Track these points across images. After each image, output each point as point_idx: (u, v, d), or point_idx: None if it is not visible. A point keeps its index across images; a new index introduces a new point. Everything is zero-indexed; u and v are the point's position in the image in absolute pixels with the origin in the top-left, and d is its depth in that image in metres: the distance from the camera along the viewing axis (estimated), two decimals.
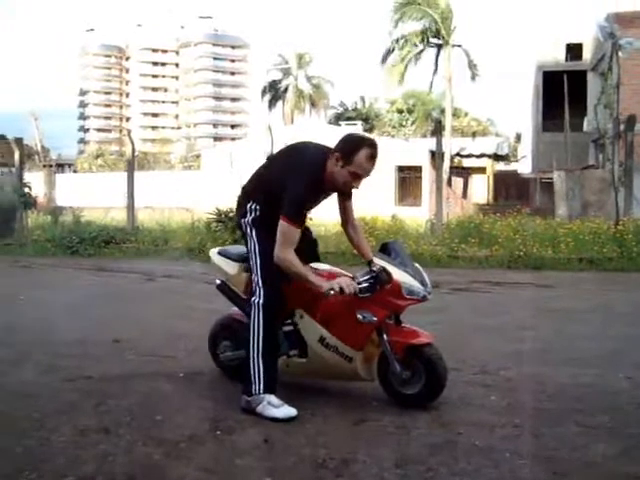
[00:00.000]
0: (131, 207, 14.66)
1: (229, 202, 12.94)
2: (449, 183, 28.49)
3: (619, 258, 10.51)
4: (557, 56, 35.46)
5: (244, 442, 3.19)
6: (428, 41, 34.86)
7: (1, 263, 11.63)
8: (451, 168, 31.25)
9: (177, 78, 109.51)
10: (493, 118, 60.99)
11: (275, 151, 13.45)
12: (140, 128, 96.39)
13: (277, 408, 3.48)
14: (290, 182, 3.50)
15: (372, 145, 3.55)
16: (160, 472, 2.85)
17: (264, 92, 58.23)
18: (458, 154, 34.49)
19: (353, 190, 3.76)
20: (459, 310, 6.92)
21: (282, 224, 3.48)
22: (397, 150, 27.93)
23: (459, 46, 34.99)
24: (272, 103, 57.76)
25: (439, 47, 35.00)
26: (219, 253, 4.19)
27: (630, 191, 13.23)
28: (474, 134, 46.50)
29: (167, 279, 9.65)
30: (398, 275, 3.55)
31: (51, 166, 36.18)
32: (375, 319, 3.54)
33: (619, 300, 7.82)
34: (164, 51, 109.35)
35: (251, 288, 3.74)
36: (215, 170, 28.42)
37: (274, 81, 58.28)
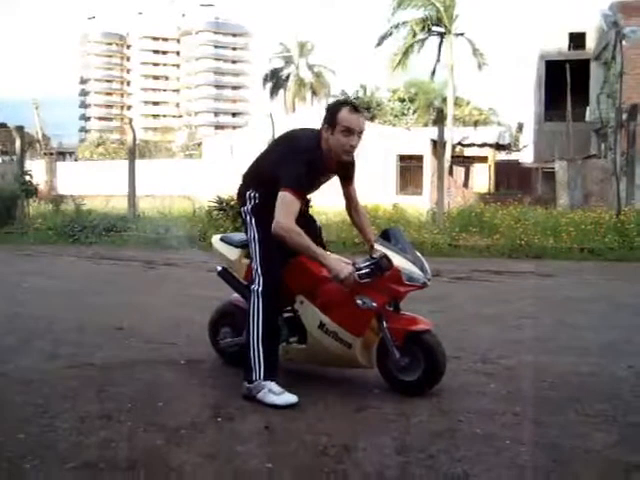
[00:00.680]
0: (132, 195, 14.67)
1: (230, 190, 12.98)
2: (450, 172, 28.45)
3: (620, 248, 10.52)
4: (560, 45, 35.33)
5: (245, 429, 3.20)
6: (430, 29, 34.71)
7: (3, 251, 11.65)
8: (453, 157, 31.23)
9: (178, 66, 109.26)
10: (495, 107, 60.83)
11: None
12: (141, 116, 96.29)
13: (278, 395, 3.50)
14: (288, 162, 3.52)
15: (350, 102, 3.65)
16: (161, 458, 2.86)
17: (265, 80, 58.09)
18: (460, 143, 34.43)
19: (353, 175, 3.85)
20: (460, 299, 6.93)
21: (282, 194, 3.46)
22: (398, 139, 27.92)
23: (462, 34, 34.84)
24: (274, 91, 57.65)
25: (441, 35, 34.85)
26: (221, 239, 4.22)
27: (632, 181, 13.23)
28: (476, 123, 46.40)
29: (168, 267, 9.66)
30: (398, 261, 3.55)
31: (52, 154, 36.18)
32: (375, 305, 3.55)
33: (620, 290, 7.83)
34: (165, 39, 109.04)
35: (251, 275, 3.75)
36: (216, 158, 28.42)
37: (275, 69, 58.14)
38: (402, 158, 27.96)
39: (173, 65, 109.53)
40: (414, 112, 51.47)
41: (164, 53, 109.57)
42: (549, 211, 14.10)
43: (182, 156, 45.36)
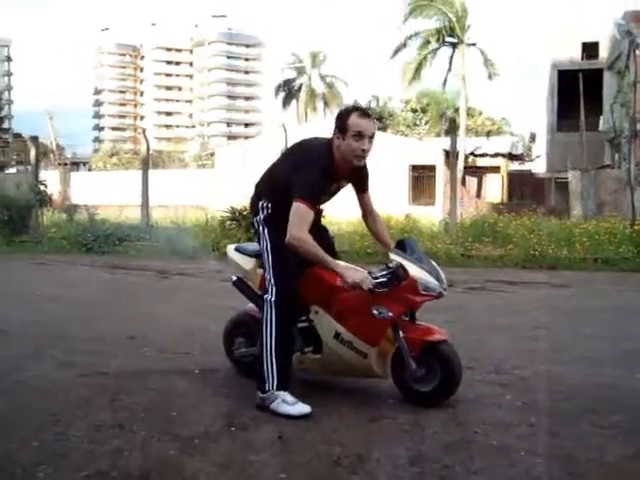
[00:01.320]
0: (145, 205, 14.73)
1: (243, 200, 13.01)
2: (463, 182, 28.40)
3: (635, 258, 10.44)
4: (573, 55, 35.27)
5: (258, 438, 3.20)
6: (443, 40, 34.74)
7: (17, 260, 11.72)
8: (465, 167, 31.15)
9: (191, 77, 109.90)
10: (508, 117, 60.59)
11: None
12: (154, 127, 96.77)
13: (291, 405, 3.49)
14: (301, 171, 3.52)
15: (359, 107, 3.71)
16: (175, 468, 2.86)
17: (278, 91, 58.26)
18: (472, 153, 34.37)
19: (367, 183, 3.89)
20: (473, 309, 6.90)
21: (295, 205, 3.45)
22: (411, 149, 27.90)
23: (474, 45, 34.84)
24: (286, 102, 57.76)
25: (454, 46, 34.86)
26: (236, 249, 4.22)
27: None
28: (488, 133, 46.27)
29: (182, 277, 9.68)
30: (414, 271, 3.54)
31: (66, 164, 36.46)
32: (391, 315, 3.54)
33: (635, 300, 7.78)
34: (178, 50, 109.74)
35: (264, 285, 3.76)
36: (229, 168, 28.50)
37: (288, 80, 58.28)
38: (414, 168, 27.92)
39: (186, 76, 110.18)
40: (426, 122, 51.42)
41: (177, 64, 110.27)
42: (562, 221, 14.03)
43: (195, 166, 45.54)
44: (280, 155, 3.91)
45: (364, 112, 3.62)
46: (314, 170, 3.51)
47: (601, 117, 32.13)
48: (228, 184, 24.69)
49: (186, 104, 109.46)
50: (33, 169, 15.53)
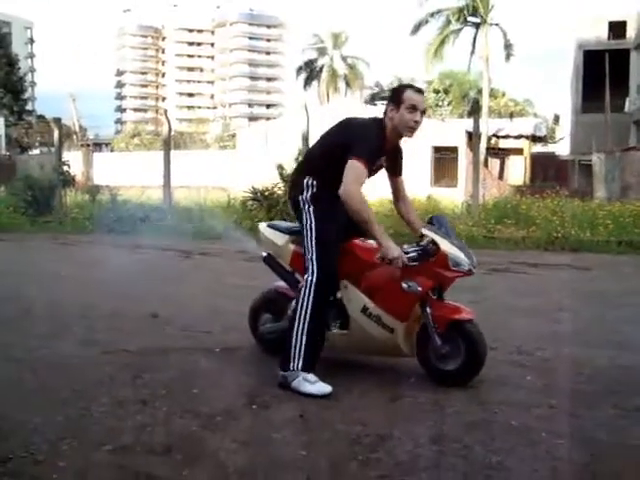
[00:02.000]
0: (167, 186, 14.78)
1: (264, 181, 13.04)
2: (485, 164, 28.12)
3: None
4: (599, 34, 34.66)
5: (280, 416, 3.22)
6: (465, 19, 34.30)
7: (41, 240, 11.85)
8: (488, 149, 30.84)
9: (213, 58, 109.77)
10: (531, 99, 59.93)
11: (311, 130, 13.42)
12: (176, 108, 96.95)
13: (312, 384, 3.50)
14: (358, 137, 3.62)
15: (415, 86, 3.80)
16: (197, 444, 2.89)
17: (299, 72, 58.00)
18: (495, 135, 33.98)
19: (401, 166, 3.99)
20: (496, 290, 6.86)
21: (351, 162, 3.52)
22: (433, 131, 27.61)
23: (497, 25, 34.36)
24: (307, 83, 57.51)
25: (477, 26, 34.41)
26: (268, 226, 4.29)
27: None
28: (511, 115, 45.74)
29: (203, 257, 9.73)
30: (445, 246, 3.56)
31: (89, 145, 36.63)
32: (420, 289, 3.55)
33: None
34: (200, 31, 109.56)
35: (297, 262, 3.83)
36: (250, 149, 28.49)
37: (309, 60, 57.98)
38: (437, 150, 27.69)
39: (207, 57, 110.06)
40: (449, 104, 50.99)
41: (199, 45, 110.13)
42: (586, 204, 13.86)
43: (216, 147, 45.61)
44: (325, 133, 3.91)
45: (418, 89, 3.75)
46: (371, 135, 3.65)
47: (627, 98, 31.62)
48: (250, 165, 24.71)
49: (208, 85, 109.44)
50: (56, 150, 15.65)
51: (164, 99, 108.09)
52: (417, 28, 34.58)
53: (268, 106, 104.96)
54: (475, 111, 14.65)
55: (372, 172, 3.76)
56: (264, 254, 4.21)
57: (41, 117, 49.95)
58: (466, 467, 2.67)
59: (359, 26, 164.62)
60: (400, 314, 3.65)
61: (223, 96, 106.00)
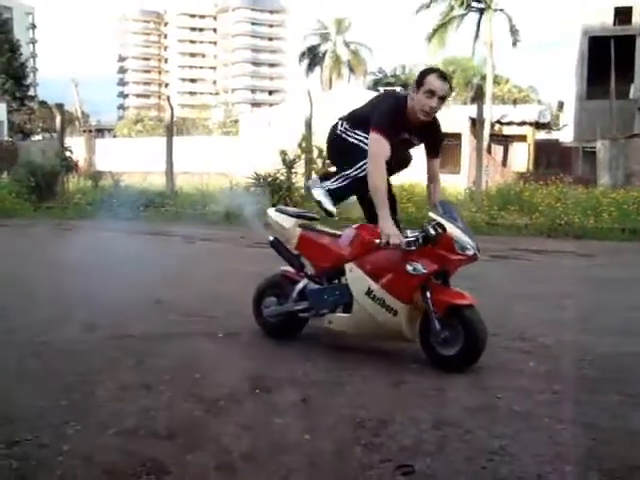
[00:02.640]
0: (170, 172, 14.78)
1: (267, 166, 13.01)
2: (489, 151, 28.03)
3: None
4: (604, 20, 34.40)
5: (282, 401, 3.23)
6: (469, 4, 34.08)
7: (44, 226, 11.85)
8: (491, 136, 30.73)
9: (215, 44, 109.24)
10: (535, 85, 59.67)
11: (314, 116, 13.37)
12: (178, 94, 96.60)
13: (326, 199, 4.09)
14: (377, 108, 3.91)
15: (440, 71, 3.96)
16: (200, 428, 2.90)
17: (302, 57, 57.75)
18: (499, 121, 33.86)
19: (440, 147, 4.22)
20: (498, 277, 6.86)
21: (371, 135, 3.79)
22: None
23: (501, 10, 34.14)
24: (310, 69, 57.30)
25: (481, 11, 34.19)
26: (276, 210, 4.39)
27: None
28: (515, 101, 45.57)
29: (206, 242, 9.74)
30: (452, 229, 3.58)
31: (91, 131, 36.53)
32: (425, 271, 3.57)
33: None
34: (202, 16, 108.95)
35: (301, 246, 4.18)
36: (253, 135, 28.41)
37: (312, 46, 57.72)
38: None
39: (210, 42, 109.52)
40: (452, 90, 50.79)
41: (201, 30, 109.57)
42: (590, 191, 13.83)
43: (219, 133, 45.48)
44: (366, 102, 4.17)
45: (442, 75, 3.86)
46: (388, 107, 3.88)
47: (632, 85, 31.43)
48: (252, 151, 24.64)
49: (210, 71, 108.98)
50: (59, 136, 15.65)
51: (166, 85, 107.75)
52: (420, 9, 34.37)
53: (271, 92, 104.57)
54: (479, 97, 14.58)
55: (399, 145, 3.94)
56: (271, 238, 4.31)
57: (43, 103, 49.85)
58: (469, 452, 2.68)
59: (362, 12, 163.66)
60: (404, 296, 3.67)
61: (225, 82, 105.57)
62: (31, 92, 55.36)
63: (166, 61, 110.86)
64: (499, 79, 48.98)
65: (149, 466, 2.54)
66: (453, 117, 28.18)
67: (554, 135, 45.21)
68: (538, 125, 36.66)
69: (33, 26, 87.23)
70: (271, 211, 4.41)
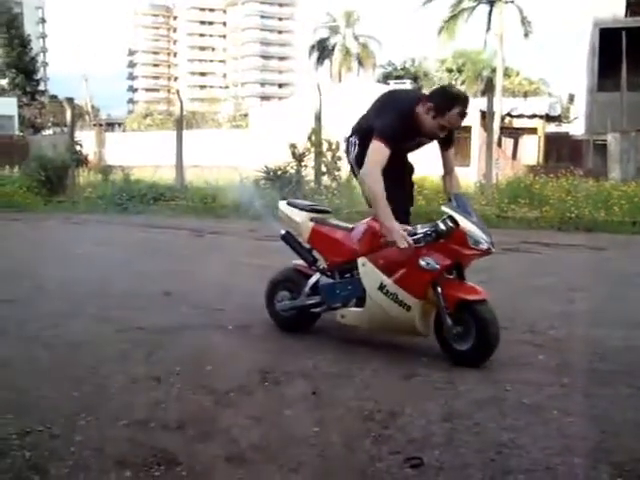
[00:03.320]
0: (179, 165, 14.80)
1: (277, 159, 13.01)
2: (499, 144, 27.92)
3: None
4: (616, 12, 34.10)
5: (292, 393, 3.24)
6: None
7: (54, 219, 11.91)
8: (501, 128, 30.61)
9: (225, 37, 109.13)
10: (545, 78, 59.37)
11: (323, 109, 13.35)
12: (188, 87, 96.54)
13: None
14: (382, 115, 3.85)
15: (464, 104, 3.79)
16: (210, 419, 2.92)
17: (312, 51, 57.62)
18: (509, 114, 33.72)
19: (453, 140, 4.18)
20: (509, 270, 6.83)
21: (373, 142, 3.75)
22: None
23: (512, 2, 33.93)
24: (320, 62, 57.17)
25: (491, 3, 33.99)
26: (288, 203, 4.39)
27: None
28: (525, 94, 45.33)
29: (216, 235, 9.76)
30: (465, 224, 3.56)
31: (101, 125, 36.66)
32: (438, 267, 3.56)
33: None
34: (211, 10, 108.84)
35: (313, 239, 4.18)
36: (263, 129, 28.40)
37: (322, 39, 57.58)
38: None
39: (220, 36, 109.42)
40: (462, 82, 50.49)
41: (210, 24, 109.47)
42: (600, 184, 13.73)
43: (229, 127, 45.49)
44: (375, 100, 4.12)
45: (464, 110, 3.77)
46: (394, 115, 3.79)
47: None
48: (262, 144, 24.64)
49: (220, 64, 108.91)
50: (69, 130, 15.70)
51: (176, 79, 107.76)
52: (427, 3, 34.20)
53: (280, 85, 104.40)
54: (489, 90, 14.52)
55: (413, 147, 4.03)
56: (282, 231, 4.31)
57: (54, 97, 50.02)
58: (478, 444, 2.68)
59: (371, 4, 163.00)
60: (417, 291, 3.66)
61: (235, 75, 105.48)
62: (41, 87, 55.51)
63: (175, 55, 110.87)
64: (509, 72, 48.69)
65: (160, 457, 2.56)
66: None
67: (564, 128, 44.94)
68: (548, 118, 36.48)
69: (43, 20, 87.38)
70: (282, 204, 4.40)
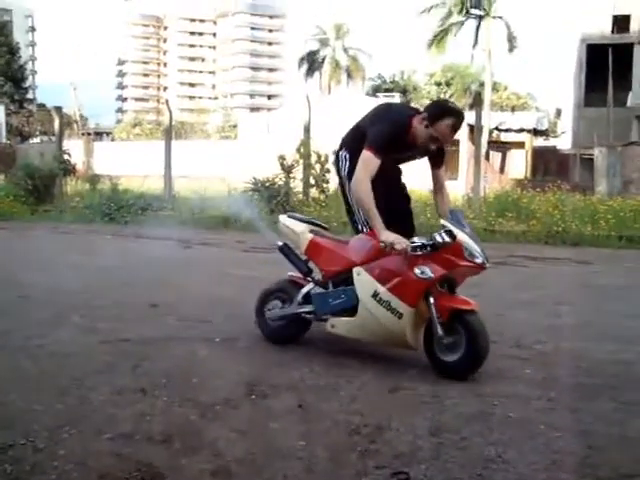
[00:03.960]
0: (168, 175, 14.77)
1: (265, 171, 13.02)
2: (487, 157, 28.08)
3: None
4: (603, 28, 34.49)
5: (278, 406, 3.22)
6: (467, 11, 34.18)
7: (41, 229, 11.85)
8: (489, 142, 30.80)
9: (214, 48, 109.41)
10: (533, 92, 59.82)
11: (312, 121, 13.37)
12: (177, 97, 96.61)
13: None
14: (375, 125, 3.88)
15: (458, 117, 3.80)
16: (196, 432, 2.90)
17: (301, 63, 57.84)
18: (497, 128, 33.95)
19: (443, 158, 4.17)
20: (496, 284, 6.84)
21: (364, 152, 3.79)
22: None
23: (500, 18, 34.25)
24: (309, 74, 57.39)
25: (480, 18, 34.30)
26: (288, 216, 4.48)
27: None
28: (513, 108, 45.69)
29: (203, 246, 9.73)
30: (462, 237, 3.60)
31: (89, 134, 36.57)
32: (432, 276, 3.59)
33: None
34: (202, 21, 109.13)
35: (310, 251, 4.19)
36: (251, 140, 28.42)
37: (311, 51, 57.83)
38: None
39: (209, 47, 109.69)
40: (451, 96, 50.85)
41: (200, 35, 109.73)
42: (587, 198, 13.84)
43: (217, 137, 45.50)
44: (367, 113, 4.15)
45: (457, 124, 3.79)
46: (386, 125, 3.84)
47: (630, 93, 31.48)
48: (251, 156, 24.64)
49: (209, 75, 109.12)
50: (57, 139, 15.64)
51: (165, 89, 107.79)
52: (420, 14, 34.47)
53: (269, 97, 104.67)
54: (477, 104, 14.62)
55: (404, 160, 4.08)
56: (280, 243, 4.37)
57: (42, 106, 49.91)
58: (465, 459, 2.67)
59: (361, 17, 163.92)
60: (410, 299, 3.67)
61: (224, 86, 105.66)
62: (30, 95, 55.36)
63: (165, 65, 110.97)
64: (497, 86, 49.09)
65: (144, 471, 2.53)
66: None
67: (552, 142, 45.35)
68: (536, 132, 36.76)
69: (32, 29, 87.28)
70: (283, 217, 4.49)
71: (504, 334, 4.64)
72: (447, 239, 3.58)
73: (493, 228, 11.08)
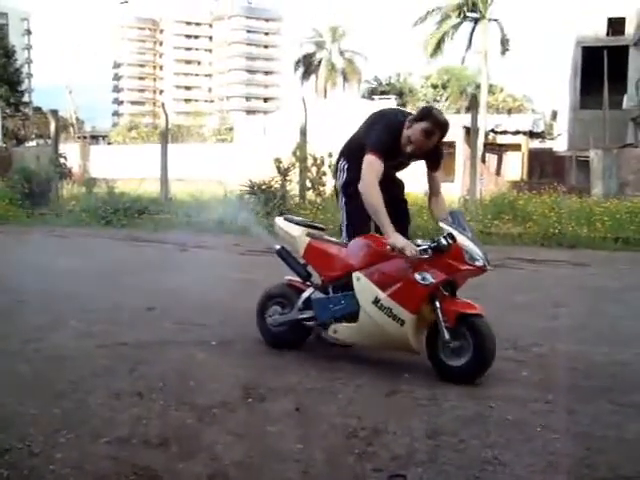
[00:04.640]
0: (164, 179, 14.76)
1: (261, 174, 13.01)
2: (483, 160, 28.11)
3: None
4: (598, 31, 34.60)
5: (276, 410, 3.22)
6: (465, 15, 34.25)
7: (37, 232, 11.81)
8: (485, 145, 30.84)
9: (211, 51, 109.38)
10: (529, 94, 59.98)
11: (309, 124, 13.40)
12: (173, 101, 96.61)
13: None
14: (372, 130, 3.92)
15: (435, 123, 3.81)
16: (192, 436, 2.89)
17: (297, 65, 57.87)
18: (493, 130, 34.00)
19: (440, 163, 4.17)
20: (492, 286, 6.82)
21: (367, 157, 3.81)
22: None
23: (495, 20, 34.32)
24: (305, 76, 57.42)
25: (475, 21, 34.36)
26: (285, 219, 4.46)
27: None
28: (509, 111, 45.77)
29: (200, 250, 9.72)
30: (462, 240, 3.59)
31: (85, 138, 36.58)
32: (434, 281, 3.57)
33: None
34: (198, 24, 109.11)
35: (308, 254, 4.17)
36: (248, 143, 28.44)
37: (307, 54, 57.86)
38: None
39: (205, 50, 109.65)
40: (447, 98, 51.01)
41: (196, 38, 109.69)
42: (583, 200, 13.86)
43: (214, 140, 45.50)
44: (363, 122, 4.17)
45: (432, 130, 3.81)
46: (383, 128, 3.88)
47: (625, 95, 31.60)
48: (247, 159, 24.65)
49: (205, 78, 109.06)
50: (53, 142, 15.63)
51: (161, 92, 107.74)
52: (417, 22, 34.54)
53: (266, 100, 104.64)
54: (473, 106, 14.61)
55: (396, 167, 4.07)
56: (277, 247, 4.36)
57: (38, 109, 49.78)
58: (462, 461, 2.67)
59: (358, 20, 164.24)
60: (412, 306, 3.66)
61: (221, 89, 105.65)
62: (26, 98, 55.25)
63: (161, 68, 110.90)
64: (493, 88, 49.19)
65: (141, 475, 2.53)
66: None
67: (548, 144, 45.39)
68: (532, 134, 36.83)
69: (28, 32, 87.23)
70: (279, 220, 4.46)
71: (501, 336, 4.60)
72: (449, 242, 3.57)
73: (489, 230, 11.09)
